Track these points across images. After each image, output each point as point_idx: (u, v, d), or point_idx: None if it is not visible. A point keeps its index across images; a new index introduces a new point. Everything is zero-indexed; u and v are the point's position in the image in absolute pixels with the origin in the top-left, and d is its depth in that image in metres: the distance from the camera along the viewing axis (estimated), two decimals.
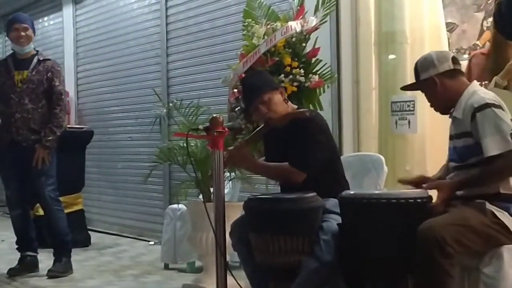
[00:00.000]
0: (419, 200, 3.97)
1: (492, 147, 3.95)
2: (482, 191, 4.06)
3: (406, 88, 4.70)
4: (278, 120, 4.60)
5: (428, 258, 3.73)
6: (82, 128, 9.93)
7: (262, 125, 4.62)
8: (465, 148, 4.16)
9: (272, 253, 4.26)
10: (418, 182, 4.29)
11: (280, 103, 4.72)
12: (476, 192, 4.07)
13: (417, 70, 4.39)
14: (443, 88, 4.26)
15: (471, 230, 3.87)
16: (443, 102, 4.30)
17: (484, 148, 3.98)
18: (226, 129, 4.26)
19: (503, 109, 4.05)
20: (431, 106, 4.45)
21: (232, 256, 5.49)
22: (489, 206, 3.99)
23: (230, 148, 4.53)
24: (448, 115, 4.33)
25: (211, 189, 5.54)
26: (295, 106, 4.93)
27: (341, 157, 5.15)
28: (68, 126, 9.46)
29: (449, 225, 3.79)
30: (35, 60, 7.00)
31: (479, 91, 4.20)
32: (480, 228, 3.90)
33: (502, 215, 3.97)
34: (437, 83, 4.26)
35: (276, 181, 4.89)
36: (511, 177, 4.05)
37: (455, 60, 4.34)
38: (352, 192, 4.27)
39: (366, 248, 4.00)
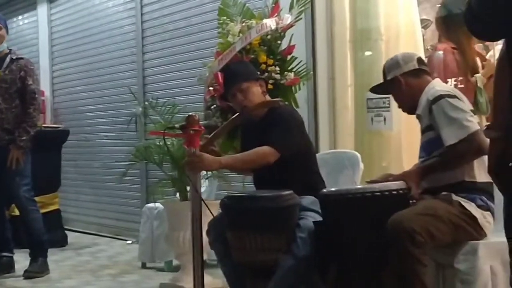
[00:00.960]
0: (401, 191, 4.00)
1: (450, 137, 4.02)
2: (447, 180, 4.12)
3: (375, 89, 4.76)
4: (253, 109, 4.61)
5: (399, 248, 3.75)
6: (58, 127, 9.88)
7: (233, 117, 4.63)
8: (428, 142, 4.24)
9: (249, 251, 4.25)
10: (384, 180, 4.31)
11: (258, 95, 4.73)
12: (442, 182, 4.13)
13: (384, 72, 4.49)
14: (408, 87, 4.35)
15: (439, 220, 3.91)
16: (409, 101, 4.38)
17: (443, 139, 4.05)
18: (203, 127, 4.25)
19: (458, 98, 4.12)
20: (399, 106, 4.54)
21: (209, 254, 5.48)
22: (455, 197, 4.05)
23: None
24: (414, 114, 4.40)
25: (188, 188, 5.55)
26: (273, 99, 4.93)
27: (317, 154, 5.15)
28: (44, 125, 9.43)
29: (417, 215, 3.84)
30: (8, 59, 6.94)
31: (436, 86, 4.28)
32: (448, 217, 3.95)
33: (469, 206, 4.03)
34: (402, 82, 4.36)
35: (248, 169, 4.81)
36: (474, 160, 4.09)
37: (420, 60, 4.46)
38: (334, 189, 4.26)
39: (353, 242, 3.99)
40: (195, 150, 4.21)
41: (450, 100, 4.08)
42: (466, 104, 4.14)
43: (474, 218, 4.02)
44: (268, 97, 4.86)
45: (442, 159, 4.09)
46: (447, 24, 5.82)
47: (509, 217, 2.68)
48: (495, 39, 2.95)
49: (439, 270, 4.17)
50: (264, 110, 4.69)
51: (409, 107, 4.42)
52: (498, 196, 3.04)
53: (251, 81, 4.75)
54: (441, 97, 4.11)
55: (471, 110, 4.14)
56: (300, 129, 4.70)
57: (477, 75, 5.66)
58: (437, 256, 4.17)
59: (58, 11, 11.07)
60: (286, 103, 5.70)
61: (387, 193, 3.96)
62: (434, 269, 4.19)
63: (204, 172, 5.99)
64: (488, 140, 3.91)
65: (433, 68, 5.76)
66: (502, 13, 2.40)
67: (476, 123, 4.03)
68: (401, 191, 4.00)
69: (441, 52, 6.00)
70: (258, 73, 5.59)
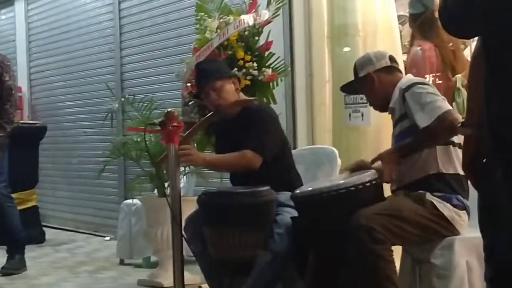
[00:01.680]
0: (374, 181, 4.01)
1: (423, 120, 4.01)
2: (423, 172, 4.10)
3: (345, 88, 4.77)
4: (227, 107, 4.61)
5: (360, 245, 3.77)
6: (35, 123, 9.81)
7: (212, 112, 4.64)
8: (402, 133, 4.22)
9: (226, 247, 4.26)
10: (358, 167, 4.32)
11: (232, 92, 4.72)
12: (417, 175, 4.11)
13: (356, 70, 4.47)
14: (381, 84, 4.34)
15: (404, 221, 3.92)
16: (382, 98, 4.37)
17: (417, 123, 4.04)
18: (182, 123, 4.26)
19: (430, 86, 4.16)
20: (370, 104, 4.55)
21: (187, 250, 5.48)
22: (429, 197, 4.04)
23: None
24: (386, 111, 4.41)
25: (166, 184, 5.55)
26: (247, 98, 4.93)
27: (295, 150, 5.17)
28: (21, 121, 9.37)
29: (377, 215, 3.84)
30: None
31: (409, 77, 4.34)
32: (414, 218, 3.95)
33: (443, 206, 4.02)
34: (375, 79, 4.34)
35: (231, 171, 4.86)
36: (448, 138, 4.09)
37: (392, 58, 4.45)
38: (307, 189, 4.20)
39: (331, 239, 3.98)
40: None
41: (423, 86, 4.11)
42: (437, 93, 4.13)
43: (446, 218, 4.02)
44: (242, 95, 4.86)
45: (417, 139, 4.10)
46: (422, 21, 5.81)
47: (483, 213, 2.70)
48: (470, 36, 2.96)
49: (415, 265, 4.19)
50: (238, 108, 4.69)
51: (381, 104, 4.42)
52: (473, 192, 3.06)
53: (225, 79, 4.73)
54: (414, 84, 4.13)
55: None
56: (276, 127, 4.71)
57: (458, 75, 5.69)
58: (413, 251, 4.19)
59: (36, 7, 11.00)
60: (264, 99, 5.72)
61: (361, 186, 3.97)
62: (410, 264, 4.22)
63: (182, 168, 6.00)
64: (459, 118, 3.95)
65: (413, 64, 5.79)
66: (477, 9, 2.42)
67: (448, 104, 4.05)
68: (374, 181, 4.01)
69: (419, 48, 6.02)
70: (236, 68, 5.62)
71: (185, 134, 4.48)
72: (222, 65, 5.02)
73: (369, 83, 4.37)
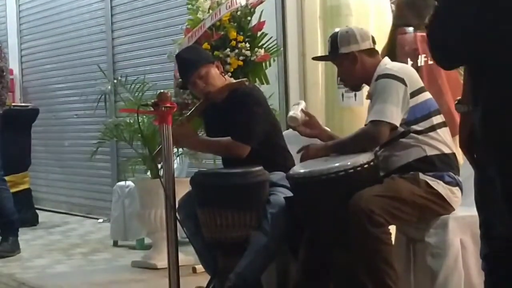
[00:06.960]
0: (372, 163, 4.00)
1: (369, 116, 4.05)
2: (409, 158, 4.08)
3: (318, 58, 4.74)
4: (217, 93, 4.59)
5: (359, 228, 3.78)
6: (27, 106, 9.78)
7: (202, 100, 4.64)
8: None
9: (219, 228, 4.27)
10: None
11: (218, 77, 4.67)
12: (404, 161, 4.09)
13: (336, 42, 4.31)
14: (362, 65, 4.24)
15: (402, 202, 3.92)
16: (359, 79, 4.31)
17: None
18: (175, 104, 4.26)
19: (404, 83, 4.05)
20: (342, 80, 4.49)
21: (181, 232, 5.48)
22: (422, 176, 4.02)
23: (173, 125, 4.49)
24: (357, 91, 4.48)
25: (159, 165, 5.54)
26: (233, 80, 4.90)
27: (288, 131, 5.15)
28: (13, 104, 9.35)
29: (377, 197, 3.85)
30: None
31: (388, 64, 4.23)
32: (412, 199, 3.95)
33: (436, 184, 4.01)
34: (357, 59, 4.24)
35: (220, 156, 4.89)
36: (367, 147, 4.09)
37: (374, 40, 4.36)
38: (307, 170, 4.11)
39: (327, 220, 4.00)
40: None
41: (392, 81, 4.04)
42: (409, 88, 4.06)
43: (441, 196, 4.01)
44: (227, 78, 4.84)
45: (347, 137, 4.23)
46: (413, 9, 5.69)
47: (480, 191, 2.71)
48: (454, 65, 2.97)
49: (409, 244, 4.19)
50: (226, 92, 4.66)
51: (355, 84, 4.39)
52: (468, 170, 3.06)
53: (208, 65, 4.67)
54: (385, 75, 4.07)
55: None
56: (263, 110, 4.69)
57: None
58: (407, 230, 4.20)
59: None
60: (256, 80, 5.72)
61: (359, 168, 3.95)
62: (404, 243, 4.22)
63: (175, 149, 6.00)
64: (385, 134, 3.95)
65: (404, 45, 5.76)
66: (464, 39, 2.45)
67: (394, 117, 3.98)
68: (371, 163, 4.00)
69: (411, 29, 5.99)
70: (228, 49, 5.60)
71: (177, 123, 4.50)
72: (202, 51, 5.00)
73: (351, 61, 4.26)
